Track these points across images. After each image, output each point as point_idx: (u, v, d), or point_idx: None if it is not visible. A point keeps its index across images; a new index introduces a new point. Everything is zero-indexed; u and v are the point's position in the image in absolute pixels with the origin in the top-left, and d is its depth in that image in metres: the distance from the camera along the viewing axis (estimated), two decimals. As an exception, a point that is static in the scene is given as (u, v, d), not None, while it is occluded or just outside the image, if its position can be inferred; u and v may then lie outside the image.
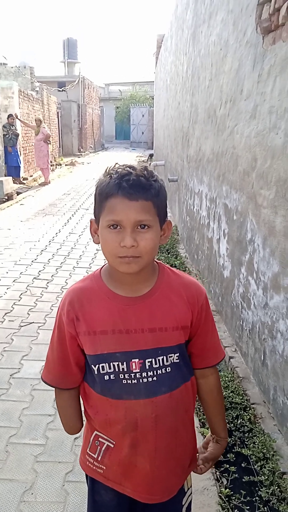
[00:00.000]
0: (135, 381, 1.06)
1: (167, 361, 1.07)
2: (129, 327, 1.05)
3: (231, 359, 3.03)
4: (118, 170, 0.99)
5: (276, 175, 2.28)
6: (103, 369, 1.06)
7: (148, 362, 1.06)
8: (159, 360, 1.07)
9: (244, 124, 2.86)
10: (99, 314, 1.06)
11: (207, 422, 1.30)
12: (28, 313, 3.88)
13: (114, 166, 1.02)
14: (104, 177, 1.01)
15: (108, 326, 1.05)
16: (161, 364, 1.07)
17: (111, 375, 1.06)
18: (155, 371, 1.06)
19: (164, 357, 1.07)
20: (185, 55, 5.98)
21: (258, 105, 2.57)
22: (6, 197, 9.38)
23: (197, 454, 1.27)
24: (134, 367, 1.05)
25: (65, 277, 4.87)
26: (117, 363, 1.05)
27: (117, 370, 1.06)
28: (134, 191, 0.95)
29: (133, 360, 1.05)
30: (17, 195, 10.11)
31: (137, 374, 1.06)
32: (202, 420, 2.39)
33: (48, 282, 4.69)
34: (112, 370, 1.06)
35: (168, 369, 1.08)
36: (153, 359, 1.06)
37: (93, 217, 1.06)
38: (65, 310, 1.08)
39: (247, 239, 2.82)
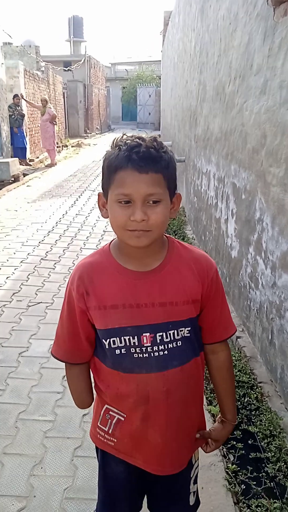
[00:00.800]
0: (146, 355, 1.06)
1: (178, 335, 1.07)
2: (139, 301, 1.04)
3: (238, 339, 3.04)
4: (127, 141, 0.96)
5: (286, 152, 2.24)
6: (114, 343, 1.06)
7: (159, 336, 1.05)
8: (170, 334, 1.06)
9: (253, 100, 2.80)
10: (109, 289, 1.06)
11: (217, 402, 1.29)
12: (36, 293, 3.90)
13: (122, 137, 0.99)
14: (112, 149, 0.98)
15: (118, 301, 1.05)
16: (172, 338, 1.06)
17: (122, 349, 1.06)
18: (166, 345, 1.06)
19: (175, 331, 1.06)
20: (193, 31, 5.84)
21: (268, 80, 2.51)
22: (13, 179, 9.35)
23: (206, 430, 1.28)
24: (145, 341, 1.05)
25: (72, 258, 4.88)
26: (128, 337, 1.05)
27: (128, 344, 1.06)
28: (145, 164, 0.93)
29: (144, 334, 1.05)
30: (24, 176, 10.07)
31: (148, 348, 1.05)
32: (210, 398, 2.41)
33: (55, 263, 4.70)
34: (123, 344, 1.06)
35: (179, 343, 1.07)
36: (164, 333, 1.05)
37: (101, 191, 1.04)
38: (75, 284, 1.08)
39: (256, 218, 2.79)
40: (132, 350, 1.06)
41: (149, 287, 1.05)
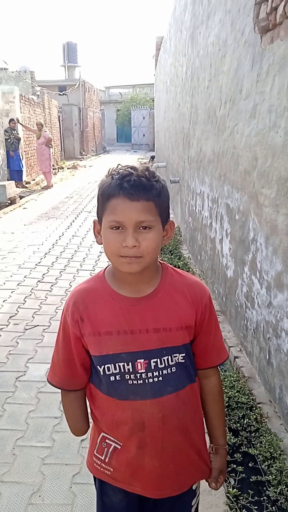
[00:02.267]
0: (141, 381, 1.06)
1: (172, 361, 1.08)
2: (133, 327, 1.05)
3: (236, 359, 3.03)
4: (119, 171, 1.00)
5: (277, 174, 2.28)
6: (108, 370, 1.07)
7: (154, 362, 1.06)
8: (164, 360, 1.07)
9: (244, 123, 2.87)
10: (103, 315, 1.07)
11: (206, 428, 1.27)
12: (32, 316, 3.89)
13: (117, 167, 1.03)
14: (107, 178, 1.02)
15: (112, 327, 1.06)
16: (166, 364, 1.07)
17: (116, 376, 1.07)
18: (160, 371, 1.07)
19: (169, 357, 1.07)
20: (184, 56, 6.00)
21: (257, 104, 2.58)
22: (9, 201, 9.42)
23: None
24: (139, 367, 1.06)
25: (69, 279, 4.88)
26: (123, 363, 1.06)
27: (122, 370, 1.06)
28: (135, 192, 0.96)
29: (138, 360, 1.05)
30: (20, 199, 10.15)
31: (142, 374, 1.06)
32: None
33: (52, 285, 4.70)
34: (117, 370, 1.06)
35: (174, 369, 1.08)
36: (158, 359, 1.06)
37: (96, 218, 1.07)
38: (70, 311, 1.09)
39: (250, 238, 2.82)
40: (127, 376, 1.06)
41: (143, 313, 1.06)
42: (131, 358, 1.05)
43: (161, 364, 1.06)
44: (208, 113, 4.10)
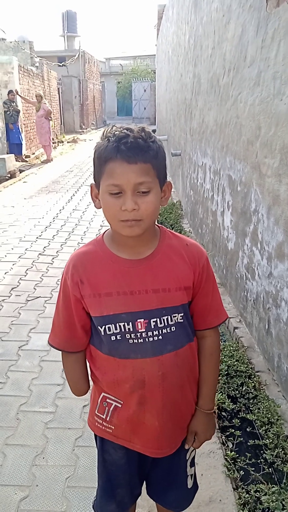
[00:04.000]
0: (141, 340, 1.08)
1: (171, 320, 1.09)
2: (133, 288, 1.07)
3: (235, 330, 3.07)
4: (115, 132, 0.98)
5: (280, 143, 2.26)
6: (109, 330, 1.09)
7: (153, 321, 1.08)
8: (163, 319, 1.09)
9: (247, 92, 2.81)
10: (103, 277, 1.08)
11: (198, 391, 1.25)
12: (34, 288, 3.92)
13: (112, 128, 1.01)
14: (102, 140, 1.00)
15: (112, 288, 1.07)
16: (165, 324, 1.09)
17: (117, 336, 1.08)
18: (160, 330, 1.08)
19: (169, 316, 1.09)
20: (187, 24, 5.83)
21: (262, 71, 2.52)
22: (9, 175, 9.34)
23: None
24: (139, 327, 1.07)
25: (70, 252, 4.79)
26: (123, 323, 1.07)
27: (123, 330, 1.08)
28: (133, 154, 0.95)
29: (138, 320, 1.07)
30: (20, 172, 10.06)
31: (143, 333, 1.08)
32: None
33: (53, 258, 4.72)
34: (118, 330, 1.08)
35: (173, 329, 1.10)
36: (158, 319, 1.08)
37: (93, 182, 1.06)
38: (70, 273, 1.10)
39: (251, 209, 2.81)
40: (127, 336, 1.08)
41: (142, 274, 1.07)
42: (131, 318, 1.07)
43: (160, 323, 1.08)
44: (211, 82, 4.02)
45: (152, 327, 1.08)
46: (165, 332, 1.09)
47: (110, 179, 0.97)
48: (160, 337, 1.09)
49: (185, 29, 6.06)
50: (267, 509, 1.71)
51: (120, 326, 1.08)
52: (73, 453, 2.05)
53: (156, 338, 1.08)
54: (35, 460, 2.01)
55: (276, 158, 2.32)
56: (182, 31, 6.47)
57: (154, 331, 1.08)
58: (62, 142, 17.06)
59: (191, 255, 1.12)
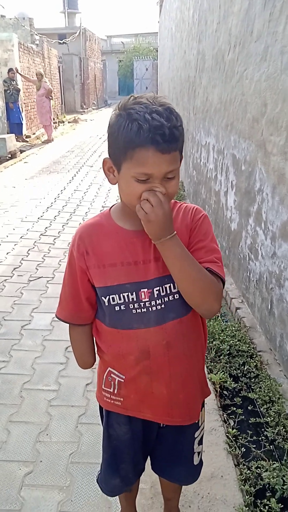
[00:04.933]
0: (145, 309, 1.08)
1: (174, 288, 1.09)
2: (137, 258, 1.07)
3: (237, 310, 3.07)
4: (145, 116, 0.91)
5: (287, 120, 2.21)
6: (113, 300, 1.09)
7: (156, 290, 1.08)
8: (166, 287, 1.08)
9: (254, 68, 2.75)
10: (108, 248, 1.09)
11: None
12: (36, 268, 3.92)
13: (133, 104, 0.95)
14: (127, 121, 0.93)
15: (117, 259, 1.08)
16: (168, 292, 1.09)
17: (121, 306, 1.09)
18: (162, 299, 1.09)
19: (171, 284, 1.08)
20: (191, -1, 5.67)
21: (269, 46, 2.45)
22: (10, 155, 9.25)
23: None
24: (143, 296, 1.08)
25: (72, 233, 4.78)
26: (127, 293, 1.08)
27: (127, 300, 1.08)
28: (168, 145, 0.93)
29: (142, 290, 1.07)
30: (21, 153, 9.95)
31: (146, 303, 1.08)
32: (210, 367, 2.45)
33: (55, 239, 4.70)
34: (122, 301, 1.09)
35: (176, 296, 1.09)
36: (160, 287, 1.08)
37: (108, 156, 1.03)
38: (76, 244, 1.11)
39: (256, 189, 2.77)
40: (131, 306, 1.09)
41: (145, 244, 1.07)
42: (135, 288, 1.07)
43: (163, 291, 1.08)
44: (216, 58, 3.93)
45: (155, 296, 1.08)
46: (167, 300, 1.09)
47: (141, 167, 0.94)
48: (163, 306, 1.09)
49: (189, 4, 5.91)
50: (268, 485, 1.73)
51: (124, 296, 1.08)
52: (77, 430, 2.08)
53: (159, 307, 1.08)
54: (39, 437, 2.03)
55: (282, 136, 2.27)
56: (186, 6, 6.31)
57: (157, 300, 1.08)
58: (63, 122, 16.85)
59: (190, 218, 1.11)
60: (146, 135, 0.91)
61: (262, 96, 2.58)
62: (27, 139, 11.78)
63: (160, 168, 0.94)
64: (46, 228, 5.03)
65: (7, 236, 4.75)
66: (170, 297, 1.09)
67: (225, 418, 2.14)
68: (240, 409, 2.16)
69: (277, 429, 2.02)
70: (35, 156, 10.09)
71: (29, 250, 4.36)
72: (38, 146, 11.39)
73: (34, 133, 12.86)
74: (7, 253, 4.26)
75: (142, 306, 1.08)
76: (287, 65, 2.19)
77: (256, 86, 2.69)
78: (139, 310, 1.09)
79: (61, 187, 7.04)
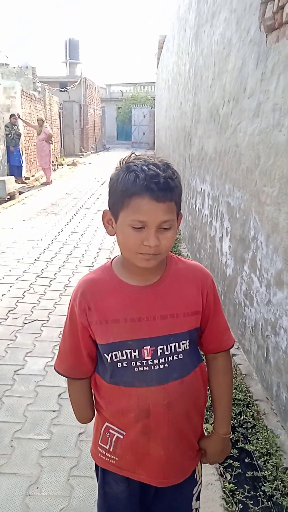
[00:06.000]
0: (147, 368, 1.07)
1: (179, 348, 1.09)
2: (141, 315, 1.07)
3: (234, 357, 3.04)
4: (143, 167, 0.97)
5: (279, 172, 2.30)
6: (116, 357, 1.08)
7: (160, 349, 1.07)
8: (171, 346, 1.08)
9: (247, 122, 2.88)
10: (110, 304, 1.08)
11: (213, 414, 1.27)
12: (31, 311, 3.89)
13: (133, 159, 1.00)
14: (125, 172, 0.98)
15: (120, 315, 1.07)
16: (173, 351, 1.08)
17: (124, 363, 1.08)
18: (166, 358, 1.08)
19: (177, 344, 1.08)
20: (187, 55, 6.00)
21: (261, 103, 2.59)
22: (9, 197, 9.40)
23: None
24: (146, 354, 1.07)
25: (68, 275, 4.89)
26: (130, 350, 1.07)
27: (129, 357, 1.07)
28: (163, 194, 0.96)
29: (145, 347, 1.07)
30: (19, 194, 10.13)
31: (148, 361, 1.07)
32: (206, 416, 2.40)
33: (51, 280, 4.70)
34: (124, 357, 1.08)
35: (180, 356, 1.09)
36: (165, 346, 1.07)
37: (107, 208, 1.06)
38: (77, 300, 1.10)
39: (250, 236, 2.83)
40: (133, 363, 1.07)
41: (150, 300, 1.08)
42: (137, 345, 1.07)
43: (167, 350, 1.08)
44: (211, 111, 4.11)
45: (159, 354, 1.07)
46: (171, 359, 1.08)
47: (136, 215, 0.97)
48: (166, 365, 1.08)
49: (185, 60, 6.24)
50: None
51: (126, 353, 1.07)
52: (68, 483, 2.00)
53: (162, 366, 1.08)
54: (29, 490, 1.95)
55: (275, 187, 2.35)
56: (182, 61, 6.66)
57: (160, 359, 1.07)
58: (62, 165, 17.27)
59: (198, 278, 1.13)
60: (142, 183, 0.95)
61: (255, 149, 2.69)
62: (26, 181, 12.03)
63: (155, 216, 0.97)
64: (42, 269, 5.05)
65: (3, 277, 4.75)
66: (175, 357, 1.09)
67: (222, 472, 2.07)
68: (237, 462, 2.10)
69: (275, 484, 1.96)
70: (34, 197, 10.26)
71: (24, 292, 4.35)
72: (37, 188, 11.61)
73: (33, 175, 13.15)
74: (3, 295, 4.25)
75: (144, 364, 1.07)
76: (279, 122, 2.30)
77: (250, 139, 2.81)
78: (141, 368, 1.07)
79: (59, 229, 7.12)
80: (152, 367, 1.07)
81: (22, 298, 4.20)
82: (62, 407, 2.51)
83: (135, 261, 1.03)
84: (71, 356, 1.15)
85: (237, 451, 2.17)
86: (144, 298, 1.08)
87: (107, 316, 1.08)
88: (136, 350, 1.07)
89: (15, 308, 3.94)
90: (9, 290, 4.39)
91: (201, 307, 1.12)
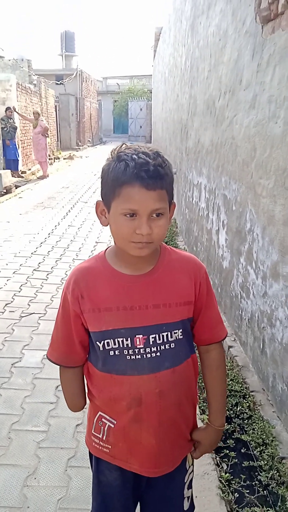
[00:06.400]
0: (139, 356, 1.08)
1: (171, 337, 1.10)
2: (133, 303, 1.08)
3: (230, 348, 3.06)
4: (132, 156, 0.97)
5: (275, 164, 2.30)
6: (108, 345, 1.09)
7: (152, 337, 1.08)
8: (163, 336, 1.09)
9: (243, 114, 2.87)
10: (103, 292, 1.09)
11: (208, 407, 1.28)
12: (28, 304, 3.90)
13: (124, 149, 1.01)
14: (115, 162, 0.99)
15: (112, 303, 1.08)
16: (165, 340, 1.09)
17: (116, 351, 1.09)
18: (158, 347, 1.09)
19: (169, 333, 1.09)
20: (183, 47, 5.97)
21: (257, 94, 2.58)
22: (5, 190, 9.37)
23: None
24: (138, 342, 1.08)
25: (65, 269, 4.89)
26: (122, 339, 1.08)
27: (121, 346, 1.08)
28: (153, 182, 0.96)
29: (137, 335, 1.08)
30: (16, 188, 10.10)
31: (141, 349, 1.08)
32: (202, 407, 2.42)
33: (48, 274, 4.71)
34: (116, 346, 1.08)
35: (172, 345, 1.10)
36: (157, 335, 1.08)
37: (100, 199, 1.06)
38: (70, 288, 1.11)
39: (246, 229, 2.84)
40: (125, 352, 1.08)
41: (143, 289, 1.08)
42: (130, 333, 1.08)
43: (159, 339, 1.09)
44: (207, 103, 4.10)
45: (151, 343, 1.08)
46: (163, 348, 1.09)
47: (127, 204, 0.98)
48: (158, 354, 1.09)
49: (182, 51, 6.20)
50: (262, 533, 1.68)
51: (118, 341, 1.08)
52: (66, 473, 2.02)
53: (154, 354, 1.08)
54: (27, 481, 1.97)
55: (271, 179, 2.35)
56: (178, 53, 6.62)
57: (152, 347, 1.08)
58: (58, 158, 17.20)
59: (191, 269, 1.14)
60: (132, 171, 0.96)
61: (251, 141, 2.69)
62: (23, 175, 11.98)
63: (146, 204, 0.97)
64: (39, 263, 5.05)
65: (0, 271, 4.75)
66: (167, 346, 1.09)
67: (218, 462, 2.09)
68: (233, 452, 2.12)
69: (270, 473, 1.98)
70: (30, 191, 10.23)
71: (21, 285, 4.35)
72: (33, 182, 11.58)
73: (29, 169, 13.09)
74: (0, 288, 4.25)
75: (136, 352, 1.08)
76: (275, 113, 2.30)
77: (246, 131, 2.81)
78: (133, 357, 1.08)
79: (55, 222, 7.11)
80: (144, 355, 1.08)
81: (19, 291, 4.20)
82: (59, 399, 2.52)
83: (128, 250, 1.03)
84: (63, 344, 1.16)
85: (233, 442, 2.19)
86: (137, 287, 1.08)
87: (100, 305, 1.08)
88: (129, 339, 1.08)
89: (12, 302, 3.95)
90: (6, 283, 4.40)
91: (194, 297, 1.13)
